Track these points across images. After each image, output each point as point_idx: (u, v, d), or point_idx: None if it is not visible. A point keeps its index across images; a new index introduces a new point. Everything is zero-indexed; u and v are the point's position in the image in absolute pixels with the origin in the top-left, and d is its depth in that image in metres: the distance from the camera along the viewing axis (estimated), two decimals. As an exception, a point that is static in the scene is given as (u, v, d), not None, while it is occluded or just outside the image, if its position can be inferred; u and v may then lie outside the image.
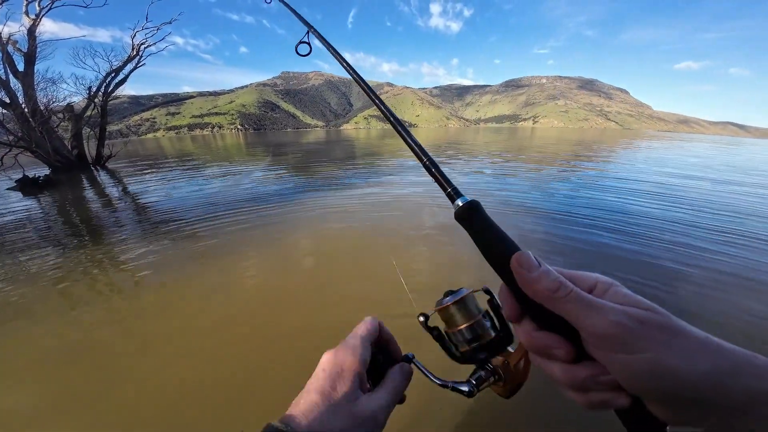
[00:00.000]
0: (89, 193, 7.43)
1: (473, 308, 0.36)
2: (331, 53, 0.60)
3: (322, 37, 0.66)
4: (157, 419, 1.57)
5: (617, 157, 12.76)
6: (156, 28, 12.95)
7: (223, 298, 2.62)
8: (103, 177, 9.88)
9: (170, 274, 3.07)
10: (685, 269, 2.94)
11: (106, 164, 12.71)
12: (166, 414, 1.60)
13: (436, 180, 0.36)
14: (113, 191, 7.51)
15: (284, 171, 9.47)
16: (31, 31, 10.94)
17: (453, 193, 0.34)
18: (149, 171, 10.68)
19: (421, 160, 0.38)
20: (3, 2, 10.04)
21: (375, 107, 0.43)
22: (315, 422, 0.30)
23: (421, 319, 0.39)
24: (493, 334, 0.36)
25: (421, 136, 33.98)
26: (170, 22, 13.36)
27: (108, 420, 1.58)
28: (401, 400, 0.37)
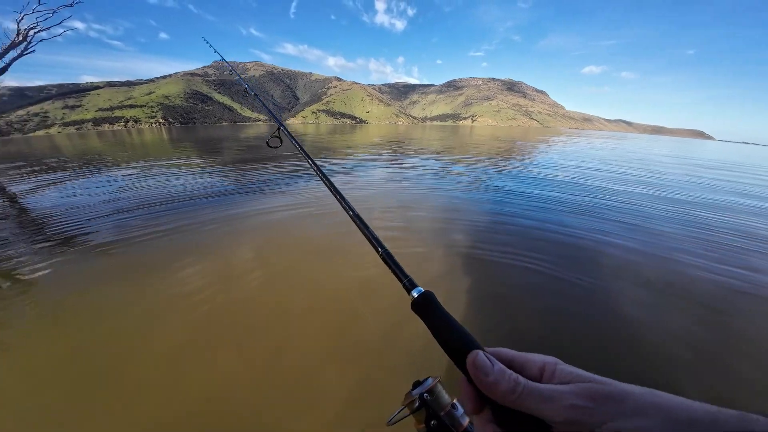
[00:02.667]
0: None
1: (443, 398, 0.35)
2: (296, 146, 0.75)
3: (289, 132, 0.81)
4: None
5: (537, 153, 14.86)
6: (51, 12, 10.54)
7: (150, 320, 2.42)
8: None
9: (88, 295, 2.68)
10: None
11: (-24, 170, 9.99)
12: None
13: (393, 271, 0.36)
14: (-8, 203, 6.01)
15: (216, 171, 8.70)
16: None
17: (408, 284, 0.34)
18: (39, 173, 8.76)
19: (377, 251, 0.40)
20: None
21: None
22: None
23: (392, 421, 0.37)
24: (465, 421, 0.35)
25: (374, 133, 34.26)
26: (71, 5, 10.99)
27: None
28: None
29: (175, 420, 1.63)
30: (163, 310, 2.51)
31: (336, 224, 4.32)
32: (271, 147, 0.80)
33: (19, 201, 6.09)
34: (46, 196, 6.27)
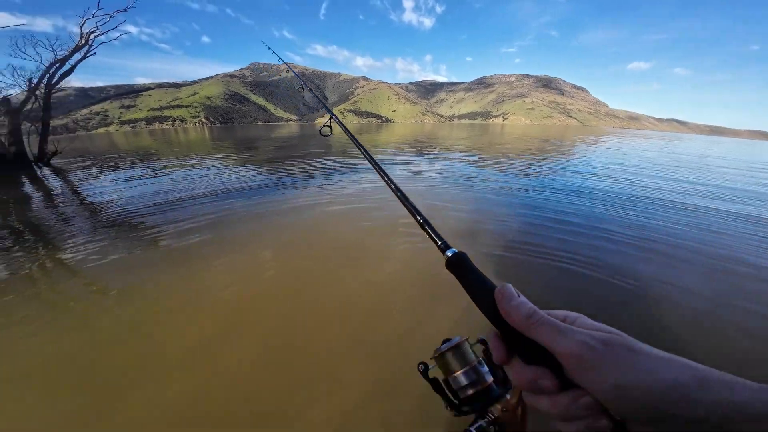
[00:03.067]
0: (33, 193, 6.75)
1: (469, 354, 0.38)
2: (346, 133, 0.82)
3: (340, 122, 0.89)
4: None
5: (584, 152, 13.86)
6: (108, 16, 11.75)
7: (193, 310, 2.60)
8: (47, 175, 8.95)
9: (133, 282, 2.96)
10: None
11: (51, 162, 11.48)
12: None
13: (430, 236, 0.40)
14: (61, 191, 6.87)
15: (254, 168, 9.18)
16: None
17: (443, 246, 0.37)
18: (102, 168, 9.83)
19: (416, 219, 0.44)
20: None
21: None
22: None
23: (421, 367, 0.41)
24: (489, 379, 0.38)
25: (399, 132, 34.23)
26: (126, 10, 12.17)
27: None
28: None
29: (205, 394, 1.75)
30: (200, 297, 2.69)
31: (366, 222, 4.38)
32: (323, 135, 0.90)
33: (85, 193, 6.89)
34: (106, 189, 7.03)
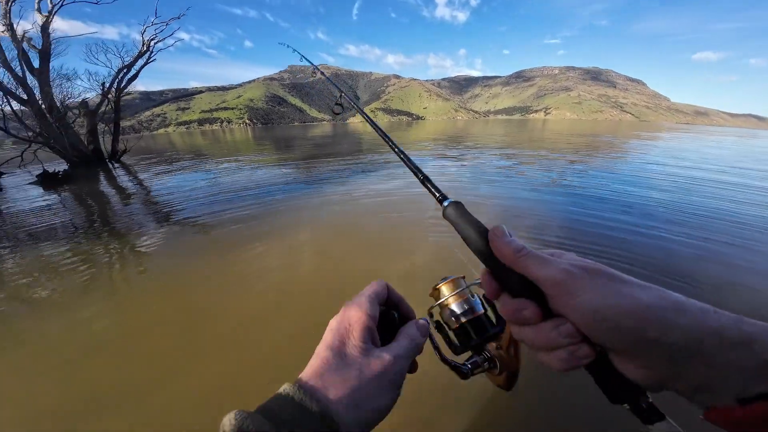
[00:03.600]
0: (106, 187, 7.64)
1: (463, 288, 0.41)
2: (356, 109, 0.83)
3: (351, 100, 0.92)
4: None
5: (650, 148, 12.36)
6: (165, 24, 13.00)
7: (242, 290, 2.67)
8: (118, 171, 10.12)
9: (184, 266, 3.14)
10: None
11: (121, 159, 13.01)
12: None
13: (429, 190, 0.43)
14: (129, 185, 7.69)
15: (292, 164, 9.51)
16: (44, 28, 11.06)
17: (440, 198, 0.40)
18: (161, 165, 10.89)
19: (417, 176, 0.47)
20: (13, 0, 10.17)
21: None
22: (329, 378, 0.29)
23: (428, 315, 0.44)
24: (481, 310, 0.41)
25: (429, 129, 33.54)
26: (179, 17, 13.37)
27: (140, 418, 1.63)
28: (413, 368, 0.37)
29: (241, 370, 1.81)
30: (240, 283, 2.79)
31: (391, 216, 4.28)
32: (335, 113, 0.94)
33: (146, 184, 7.67)
34: (164, 182, 7.75)
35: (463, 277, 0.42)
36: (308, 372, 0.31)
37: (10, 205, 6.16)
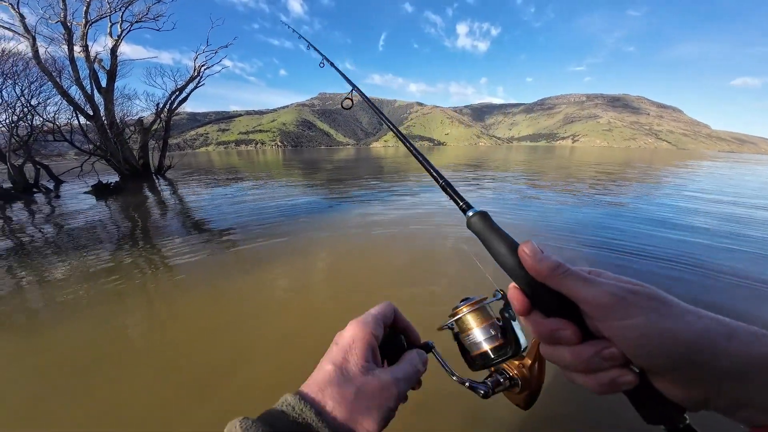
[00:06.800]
0: (150, 200, 8.20)
1: (487, 312, 0.39)
2: (370, 107, 0.78)
3: (363, 93, 0.88)
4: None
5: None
6: (214, 52, 14.49)
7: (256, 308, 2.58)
8: (162, 185, 10.93)
9: (211, 279, 3.14)
10: None
11: (166, 174, 14.14)
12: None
13: (451, 197, 0.41)
14: (170, 199, 8.23)
15: (316, 185, 9.75)
16: (113, 51, 12.63)
17: (465, 206, 0.38)
18: (201, 181, 11.64)
19: (437, 181, 0.44)
20: (91, 24, 11.81)
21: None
22: (329, 392, 0.30)
23: (440, 324, 0.42)
24: (505, 337, 0.38)
25: (451, 154, 33.69)
26: (226, 46, 14.87)
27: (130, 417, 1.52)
28: (417, 384, 0.37)
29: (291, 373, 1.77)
30: (268, 304, 2.72)
31: (413, 241, 4.12)
32: (344, 108, 0.93)
33: (186, 198, 8.15)
34: (203, 197, 8.18)
35: (485, 298, 0.40)
36: (310, 384, 0.31)
37: (64, 211, 6.75)
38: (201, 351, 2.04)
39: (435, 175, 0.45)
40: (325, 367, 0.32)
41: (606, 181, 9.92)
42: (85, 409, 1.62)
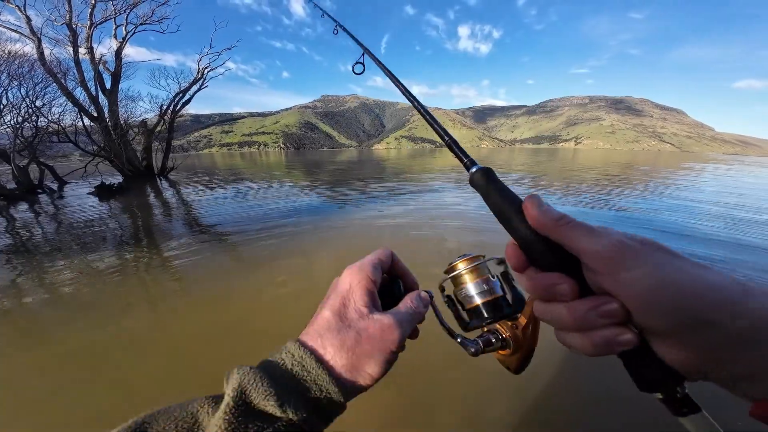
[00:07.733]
0: (153, 201, 8.18)
1: (482, 268, 0.38)
2: (382, 70, 0.72)
3: (375, 57, 0.79)
4: None
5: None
6: (217, 54, 14.53)
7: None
8: (165, 187, 10.93)
9: (213, 279, 3.07)
10: None
11: (169, 175, 14.15)
12: None
13: (456, 155, 0.40)
14: (172, 200, 8.20)
15: (318, 186, 9.71)
16: (118, 53, 12.71)
17: (468, 163, 0.37)
18: (203, 183, 11.63)
19: (443, 139, 0.44)
20: (96, 26, 11.87)
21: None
22: (328, 339, 0.30)
23: (440, 286, 0.41)
24: (500, 292, 0.38)
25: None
26: (230, 49, 14.91)
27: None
28: (414, 334, 0.35)
29: None
30: (270, 303, 2.66)
31: (411, 236, 4.05)
32: (355, 74, 0.88)
33: (188, 199, 8.13)
34: (205, 199, 8.15)
35: (483, 256, 0.39)
36: (309, 331, 0.31)
37: (68, 212, 6.73)
38: (203, 350, 2.00)
39: (441, 132, 0.44)
40: (324, 314, 0.32)
41: (620, 182, 9.79)
42: (85, 408, 1.61)
